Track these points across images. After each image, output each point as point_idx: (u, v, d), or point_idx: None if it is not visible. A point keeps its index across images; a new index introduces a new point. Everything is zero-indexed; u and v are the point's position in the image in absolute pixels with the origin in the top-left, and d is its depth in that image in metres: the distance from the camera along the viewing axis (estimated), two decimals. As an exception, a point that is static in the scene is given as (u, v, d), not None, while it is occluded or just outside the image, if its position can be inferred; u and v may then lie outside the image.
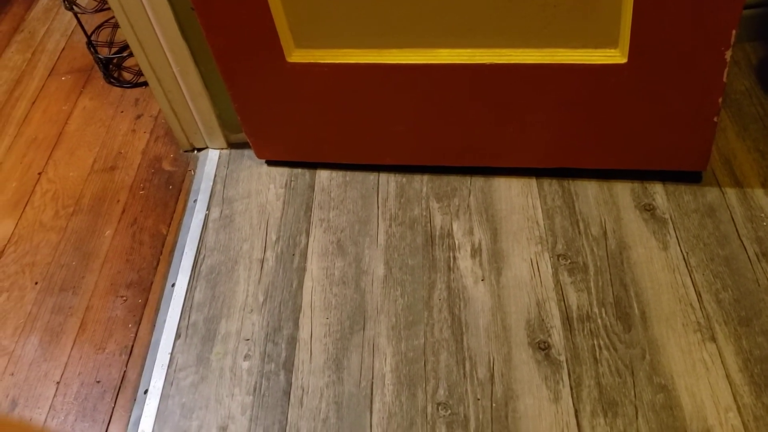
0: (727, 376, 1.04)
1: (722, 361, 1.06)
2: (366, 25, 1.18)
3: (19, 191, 1.55)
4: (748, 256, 1.16)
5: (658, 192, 1.27)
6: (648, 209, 1.25)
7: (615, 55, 1.13)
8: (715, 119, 1.17)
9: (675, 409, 1.02)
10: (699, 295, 1.13)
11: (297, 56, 1.24)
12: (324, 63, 1.23)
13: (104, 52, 1.81)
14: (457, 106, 1.25)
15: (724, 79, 1.11)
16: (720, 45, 1.07)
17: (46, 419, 1.19)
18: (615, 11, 1.08)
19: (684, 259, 1.18)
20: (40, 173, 1.59)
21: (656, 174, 1.29)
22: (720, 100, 1.14)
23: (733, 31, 1.05)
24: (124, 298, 1.33)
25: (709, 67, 1.10)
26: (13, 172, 1.60)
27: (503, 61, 1.17)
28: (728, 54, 1.08)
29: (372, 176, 1.40)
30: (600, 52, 1.13)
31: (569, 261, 1.21)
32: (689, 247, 1.19)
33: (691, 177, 1.28)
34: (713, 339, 1.08)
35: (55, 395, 1.22)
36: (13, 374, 1.25)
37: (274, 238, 1.34)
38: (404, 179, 1.38)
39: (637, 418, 1.02)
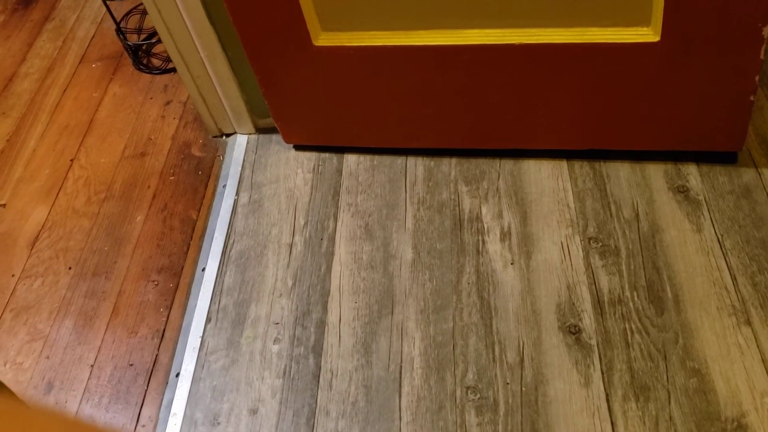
0: (763, 360, 1.02)
1: (758, 345, 1.04)
2: (393, 6, 1.17)
3: (52, 177, 1.58)
4: (786, 239, 1.14)
5: (692, 173, 1.25)
6: (681, 191, 1.23)
7: (647, 34, 1.10)
8: (752, 98, 1.14)
9: (709, 393, 1.01)
10: (734, 278, 1.11)
11: (323, 40, 1.24)
12: (351, 46, 1.23)
13: (133, 39, 1.83)
14: (486, 87, 1.24)
15: (762, 57, 1.08)
16: (757, 21, 1.04)
17: (80, 401, 1.21)
18: (647, -12, 1.05)
19: (719, 241, 1.16)
20: (72, 160, 1.61)
21: (690, 155, 1.26)
22: (757, 78, 1.11)
23: (771, 7, 1.02)
24: (156, 283, 1.34)
25: (746, 45, 1.07)
26: (46, 159, 1.62)
27: (533, 41, 1.15)
28: (766, 30, 1.05)
29: (400, 160, 1.39)
30: (632, 30, 1.11)
31: (600, 244, 1.19)
32: (724, 229, 1.17)
33: (726, 157, 1.25)
34: (749, 323, 1.06)
35: (89, 378, 1.24)
36: (48, 357, 1.28)
37: (302, 222, 1.34)
38: (432, 163, 1.37)
39: (669, 402, 1.01)
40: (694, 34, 1.07)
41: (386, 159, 1.40)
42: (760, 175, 1.22)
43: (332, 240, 1.30)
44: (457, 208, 1.29)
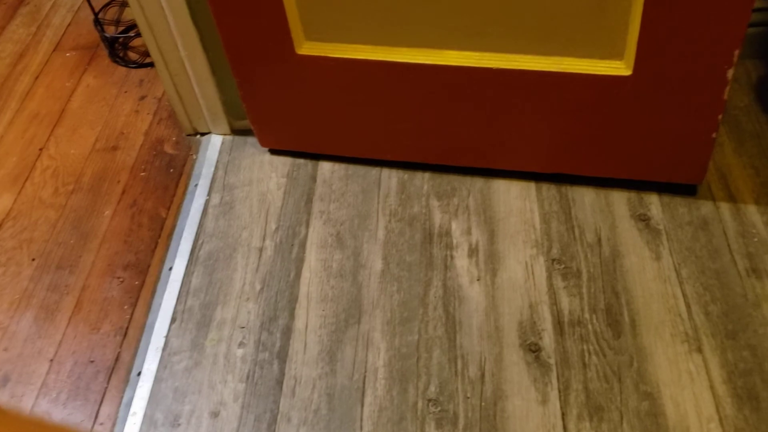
0: (711, 387, 1.07)
1: (707, 373, 1.09)
2: (377, 21, 1.19)
3: (19, 166, 1.56)
4: (738, 271, 1.19)
5: (654, 203, 1.30)
6: (643, 219, 1.28)
7: (620, 67, 1.15)
8: (714, 135, 1.19)
9: (659, 417, 1.05)
10: (688, 306, 1.16)
11: (306, 48, 1.25)
12: (333, 57, 1.24)
13: (111, 31, 1.81)
14: (461, 107, 1.27)
15: (725, 97, 1.13)
16: (723, 63, 1.09)
17: (37, 396, 1.20)
18: (622, 24, 1.10)
19: (676, 270, 1.20)
20: (41, 149, 1.59)
21: (653, 185, 1.31)
22: (720, 117, 1.16)
23: (736, 51, 1.07)
24: (121, 280, 1.34)
25: (711, 85, 1.12)
26: (14, 147, 1.59)
27: (510, 67, 1.18)
28: (730, 72, 1.10)
29: (374, 171, 1.41)
30: (605, 63, 1.15)
31: (563, 266, 1.23)
32: (681, 258, 1.22)
33: (687, 190, 1.31)
34: (700, 350, 1.11)
35: (48, 372, 1.23)
36: (6, 349, 1.26)
37: (273, 227, 1.35)
38: (406, 176, 1.39)
39: (621, 423, 1.05)
40: (664, 71, 1.12)
41: (361, 169, 1.42)
42: (717, 208, 1.28)
43: (303, 246, 1.31)
44: (428, 222, 1.32)
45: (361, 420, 1.09)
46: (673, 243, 1.24)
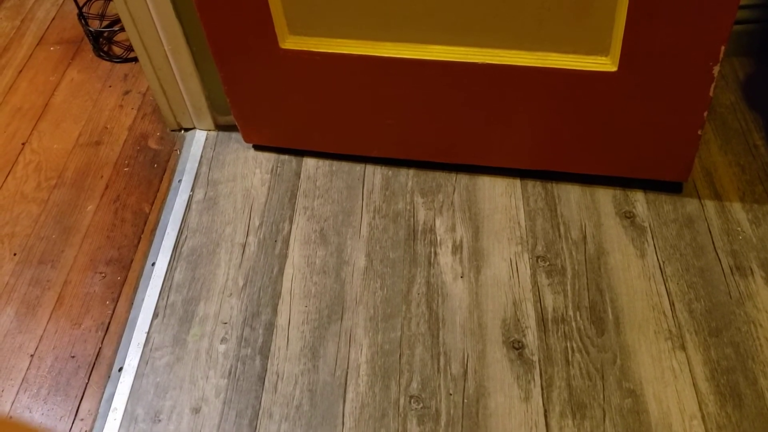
0: (694, 384, 1.07)
1: (690, 370, 1.08)
2: (361, 16, 1.18)
3: (1, 160, 1.54)
4: (722, 269, 1.19)
5: (639, 200, 1.29)
6: (628, 216, 1.27)
7: (605, 63, 1.14)
8: (700, 132, 1.19)
9: (642, 414, 1.05)
10: (672, 303, 1.16)
11: (290, 43, 1.24)
12: (317, 51, 1.23)
13: (95, 25, 1.79)
14: (446, 103, 1.26)
15: (711, 94, 1.13)
16: (709, 60, 1.08)
17: (18, 391, 1.19)
18: (608, 20, 1.09)
19: (660, 267, 1.20)
20: (23, 143, 1.57)
21: (638, 182, 1.31)
22: (705, 113, 1.16)
23: (722, 47, 1.06)
24: (103, 275, 1.33)
25: (697, 81, 1.12)
26: (-4, 141, 1.58)
27: (495, 62, 1.18)
28: (716, 69, 1.09)
29: (358, 167, 1.40)
30: (591, 59, 1.15)
31: (548, 263, 1.22)
32: (666, 256, 1.21)
33: (672, 187, 1.30)
34: (683, 348, 1.11)
35: (28, 368, 1.21)
36: (-14, 344, 1.25)
37: (257, 223, 1.34)
38: (390, 172, 1.39)
39: (604, 421, 1.04)
40: (649, 67, 1.11)
41: (345, 165, 1.41)
42: (702, 206, 1.27)
43: (286, 242, 1.30)
44: (412, 218, 1.31)
45: (343, 416, 1.09)
46: (657, 240, 1.24)
